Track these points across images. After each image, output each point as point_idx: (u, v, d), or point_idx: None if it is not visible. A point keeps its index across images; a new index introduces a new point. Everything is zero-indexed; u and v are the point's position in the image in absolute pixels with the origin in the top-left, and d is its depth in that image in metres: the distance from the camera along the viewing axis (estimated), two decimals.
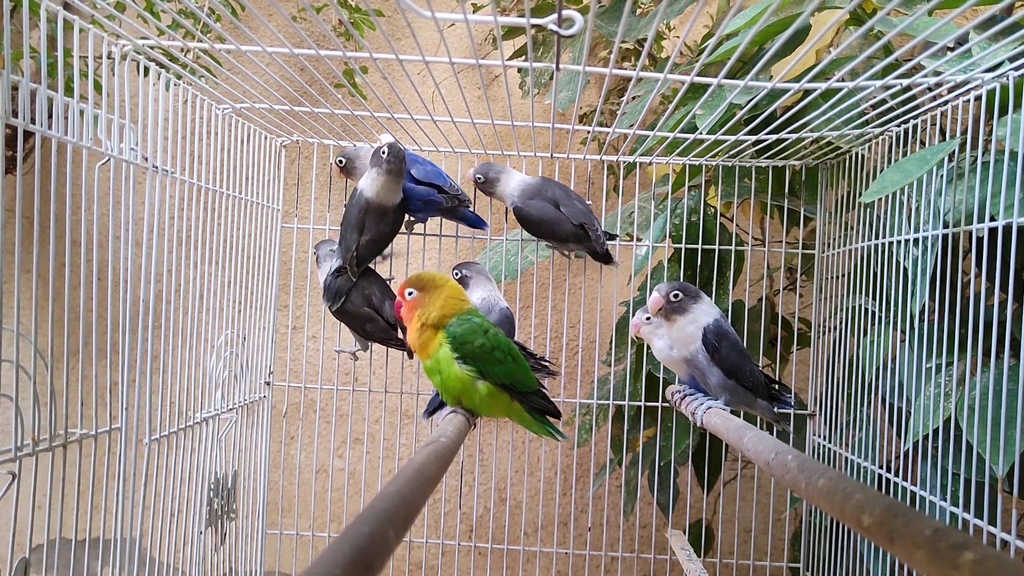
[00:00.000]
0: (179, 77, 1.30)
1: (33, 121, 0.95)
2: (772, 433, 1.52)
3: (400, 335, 1.57)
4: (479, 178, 1.57)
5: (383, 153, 1.44)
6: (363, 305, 1.54)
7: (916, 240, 1.24)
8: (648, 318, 1.44)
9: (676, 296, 1.33)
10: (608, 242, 1.58)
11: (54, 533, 1.04)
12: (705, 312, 1.34)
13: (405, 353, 1.64)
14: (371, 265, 1.60)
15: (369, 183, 1.48)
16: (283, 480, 2.12)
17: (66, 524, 1.05)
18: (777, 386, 1.43)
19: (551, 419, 1.22)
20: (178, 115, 1.34)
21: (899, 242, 1.29)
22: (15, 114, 0.92)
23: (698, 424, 1.31)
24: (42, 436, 0.99)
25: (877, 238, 1.38)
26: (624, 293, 1.96)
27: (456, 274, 1.55)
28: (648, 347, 1.56)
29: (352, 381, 1.78)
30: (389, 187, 1.47)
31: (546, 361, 1.55)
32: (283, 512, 2.12)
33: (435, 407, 1.42)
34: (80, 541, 1.10)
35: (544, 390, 1.23)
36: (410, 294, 1.11)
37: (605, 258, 1.57)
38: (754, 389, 1.36)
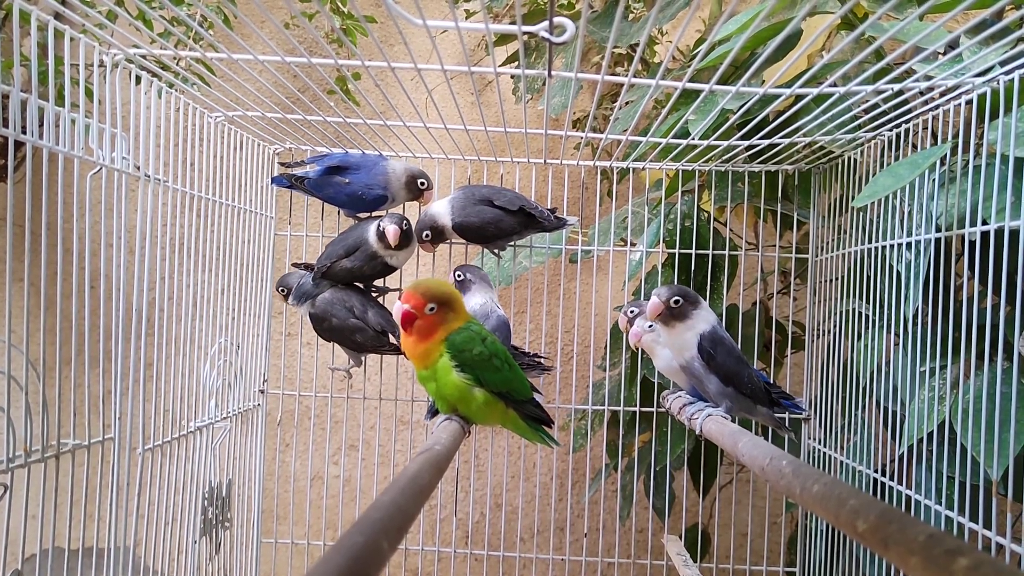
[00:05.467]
0: (171, 85, 1.30)
1: (24, 131, 0.94)
2: (769, 439, 1.52)
3: (392, 340, 1.57)
4: (427, 235, 1.57)
5: (402, 227, 1.51)
6: (348, 317, 1.54)
7: (909, 244, 1.25)
8: (651, 326, 1.42)
9: (677, 302, 1.32)
10: (561, 221, 1.59)
11: (47, 543, 1.03)
12: (703, 319, 1.33)
13: (401, 356, 1.64)
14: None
15: (376, 242, 1.52)
16: (278, 488, 2.11)
17: (59, 534, 1.04)
18: (776, 393, 1.43)
19: (543, 426, 1.21)
20: (170, 123, 1.33)
21: (892, 246, 1.30)
22: (6, 124, 0.91)
23: (698, 432, 1.31)
24: (34, 447, 0.98)
25: (870, 242, 1.38)
26: (619, 298, 1.96)
27: (458, 276, 1.55)
28: (642, 352, 1.55)
29: (347, 388, 1.78)
30: (392, 255, 1.55)
31: (539, 357, 1.55)
32: (278, 520, 2.11)
33: (436, 409, 1.42)
34: (74, 551, 1.09)
35: (539, 393, 1.22)
36: (431, 309, 1.05)
37: (558, 225, 1.58)
38: (753, 396, 1.35)
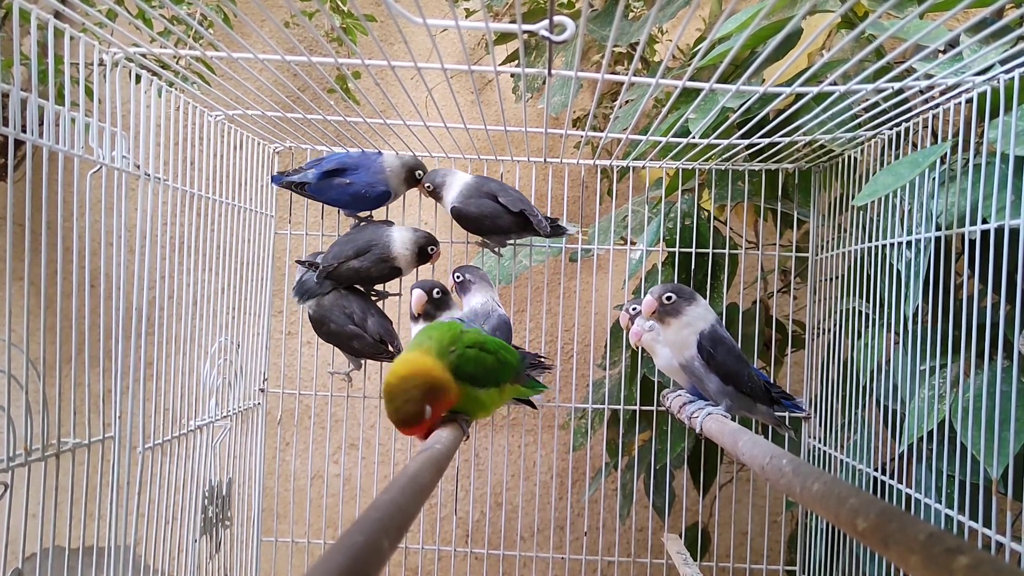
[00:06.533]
0: (171, 84, 1.30)
1: (24, 129, 0.94)
2: (769, 437, 1.52)
3: (391, 348, 1.56)
4: (428, 186, 1.59)
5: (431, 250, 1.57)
6: (346, 323, 1.54)
7: (909, 243, 1.25)
8: (651, 326, 1.43)
9: (669, 298, 1.32)
10: (560, 230, 1.60)
11: (47, 542, 1.03)
12: (701, 316, 1.33)
13: None
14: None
15: (400, 246, 1.54)
16: (278, 487, 2.11)
17: (60, 533, 1.05)
18: (776, 392, 1.43)
19: (532, 376, 1.22)
20: (170, 122, 1.33)
21: (892, 245, 1.30)
22: (6, 122, 0.91)
23: (698, 431, 1.31)
24: (35, 446, 0.98)
25: (870, 241, 1.38)
26: (619, 297, 1.96)
27: (457, 277, 1.55)
28: (642, 351, 1.56)
29: (347, 387, 1.78)
30: (411, 262, 1.57)
31: (540, 356, 1.55)
32: (278, 519, 2.11)
33: None
34: (74, 550, 1.09)
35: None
36: (430, 413, 0.96)
37: (555, 233, 1.59)
38: (753, 394, 1.35)
